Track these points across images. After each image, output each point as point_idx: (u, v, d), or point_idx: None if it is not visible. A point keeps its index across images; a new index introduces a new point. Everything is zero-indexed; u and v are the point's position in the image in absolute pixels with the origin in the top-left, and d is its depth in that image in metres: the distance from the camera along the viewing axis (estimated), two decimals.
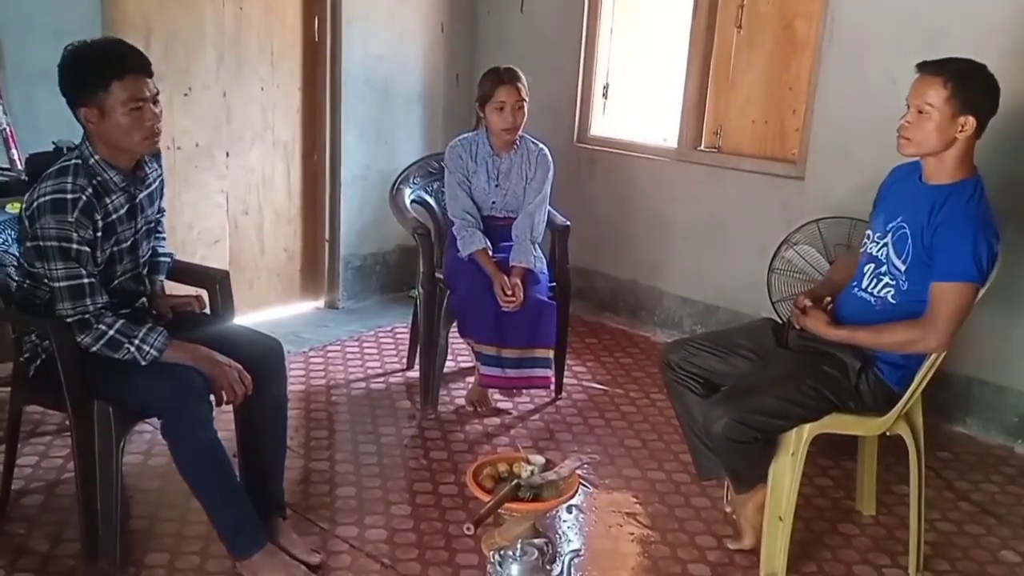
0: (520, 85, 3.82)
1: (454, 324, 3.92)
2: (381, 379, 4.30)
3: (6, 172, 3.52)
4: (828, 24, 4.15)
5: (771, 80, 4.57)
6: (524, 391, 3.98)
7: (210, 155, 4.56)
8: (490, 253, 3.84)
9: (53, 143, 3.31)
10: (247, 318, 4.73)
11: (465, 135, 3.99)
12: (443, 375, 4.12)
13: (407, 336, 4.49)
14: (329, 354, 4.54)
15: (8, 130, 3.55)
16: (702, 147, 4.80)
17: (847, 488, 3.47)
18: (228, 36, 4.48)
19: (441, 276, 3.94)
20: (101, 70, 2.52)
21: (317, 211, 5.09)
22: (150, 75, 2.61)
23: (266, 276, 4.97)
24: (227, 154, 4.62)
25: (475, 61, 5.41)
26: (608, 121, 5.22)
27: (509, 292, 3.69)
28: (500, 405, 4.02)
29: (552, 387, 4.05)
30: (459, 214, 3.90)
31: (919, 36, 3.81)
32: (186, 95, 4.36)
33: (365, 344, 4.69)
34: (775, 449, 2.86)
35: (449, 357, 4.24)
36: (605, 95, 5.18)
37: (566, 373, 4.30)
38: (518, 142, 3.94)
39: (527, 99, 3.85)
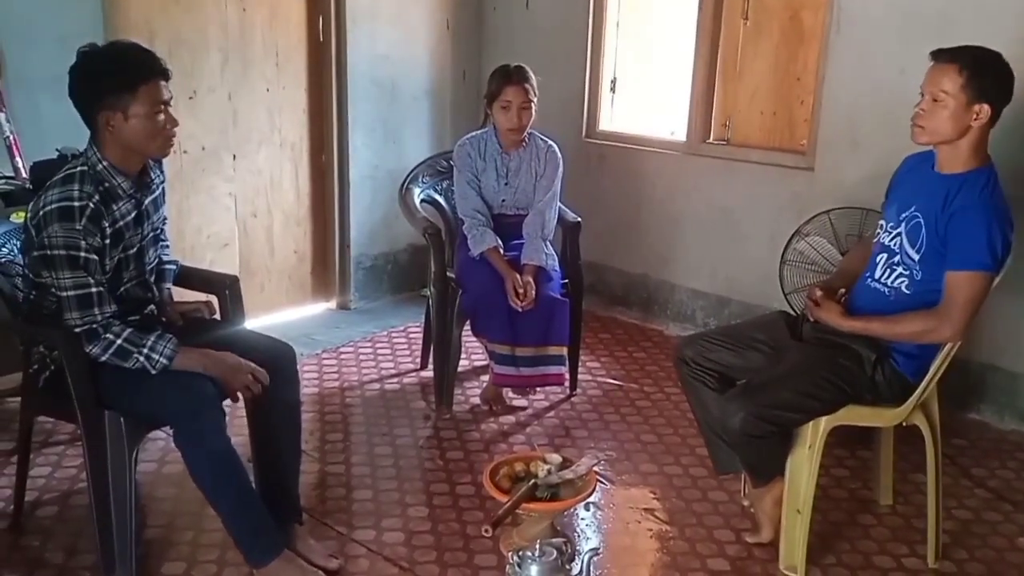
0: (528, 85, 3.79)
1: (467, 323, 3.90)
2: (395, 380, 4.29)
3: (11, 181, 3.52)
4: (835, 13, 4.12)
5: (779, 71, 4.54)
6: (539, 388, 3.98)
7: (217, 158, 4.54)
8: (501, 251, 3.82)
9: (57, 150, 3.29)
10: (258, 321, 4.75)
11: (474, 133, 3.98)
12: (457, 374, 4.10)
13: (420, 336, 4.47)
14: (342, 356, 4.53)
15: (12, 138, 3.55)
16: (711, 140, 4.77)
17: (864, 478, 3.46)
18: (232, 38, 4.46)
19: (453, 275, 3.93)
20: (130, 73, 2.51)
21: (326, 212, 5.08)
22: (169, 79, 2.61)
23: (276, 278, 4.96)
24: (234, 157, 4.61)
25: (482, 58, 5.40)
26: (616, 116, 5.19)
27: (521, 290, 3.67)
28: (515, 403, 4.00)
29: (566, 384, 4.04)
30: (469, 213, 3.88)
31: (927, 24, 3.79)
32: (191, 98, 4.34)
33: (378, 345, 4.68)
34: (792, 442, 2.85)
35: (463, 356, 4.23)
36: (613, 90, 5.14)
37: (580, 369, 4.28)
38: (527, 139, 3.93)
39: (535, 99, 3.82)
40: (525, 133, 3.90)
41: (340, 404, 4.01)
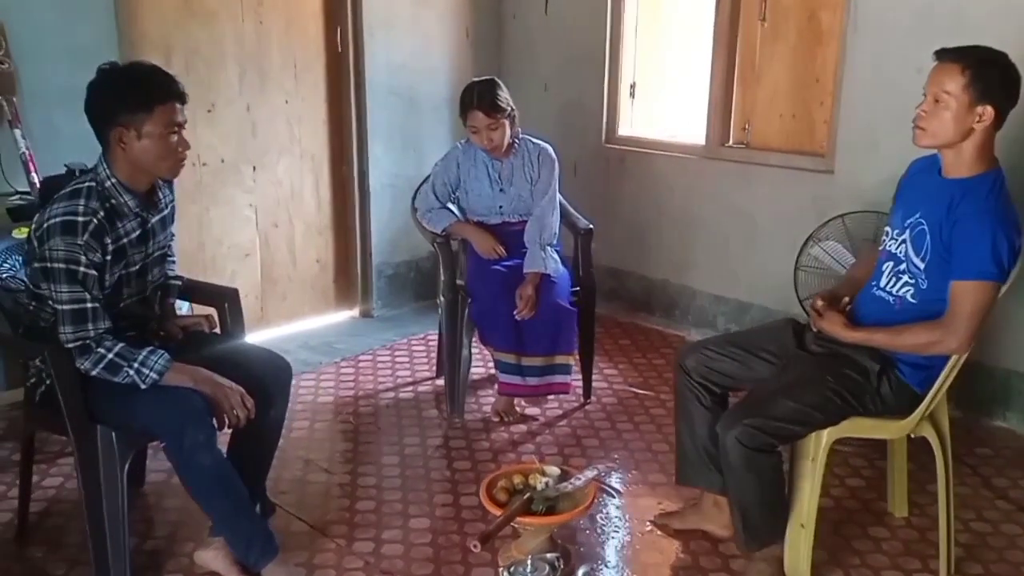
0: (489, 109, 3.73)
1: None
2: (410, 388, 4.29)
3: (26, 196, 3.58)
4: (852, 13, 4.05)
5: (797, 72, 4.47)
6: (550, 397, 3.95)
7: (236, 170, 4.58)
8: (464, 220, 3.94)
9: (65, 165, 3.33)
10: (281, 330, 4.82)
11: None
12: (472, 383, 4.10)
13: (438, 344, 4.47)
14: (360, 364, 4.54)
15: (27, 154, 3.60)
16: (730, 143, 4.71)
17: (880, 489, 3.37)
18: (249, 51, 4.49)
19: (462, 283, 3.92)
20: (148, 92, 2.55)
21: (348, 221, 5.11)
22: (185, 103, 2.64)
23: (299, 288, 4.99)
24: (254, 168, 4.65)
25: (502, 65, 5.39)
26: (636, 120, 5.15)
27: (502, 254, 3.78)
28: (528, 412, 3.98)
29: (579, 392, 4.03)
30: (422, 206, 3.98)
31: (944, 23, 3.71)
32: (209, 111, 4.39)
33: (397, 353, 4.69)
34: (791, 507, 2.80)
35: (480, 364, 4.23)
36: (632, 94, 5.11)
37: (597, 376, 4.25)
38: (517, 144, 3.90)
39: (506, 114, 3.77)
40: (514, 141, 3.88)
41: (353, 413, 4.01)
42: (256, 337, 4.62)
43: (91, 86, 2.57)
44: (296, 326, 4.94)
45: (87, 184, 2.58)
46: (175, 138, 2.60)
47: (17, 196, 3.62)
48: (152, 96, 2.54)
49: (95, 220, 2.52)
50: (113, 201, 2.59)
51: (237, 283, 4.56)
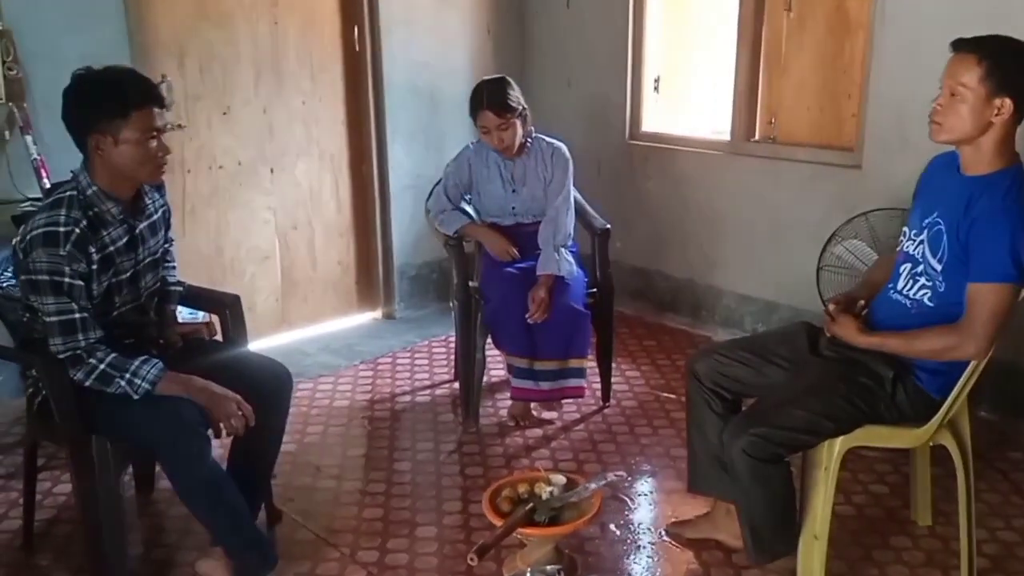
0: (500, 109, 3.66)
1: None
2: (427, 391, 4.23)
3: (37, 202, 3.57)
4: (880, 2, 3.92)
5: (825, 64, 4.34)
6: (568, 400, 3.87)
7: (254, 172, 4.56)
8: (477, 222, 3.90)
9: (72, 172, 3.31)
10: (302, 332, 4.81)
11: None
12: (490, 385, 4.05)
13: None
14: (379, 367, 4.50)
15: (39, 159, 3.60)
16: (756, 138, 4.60)
17: (905, 496, 3.25)
18: (265, 52, 4.46)
19: (476, 285, 3.86)
20: (122, 98, 2.51)
21: (369, 222, 5.06)
22: (163, 107, 2.61)
23: (320, 289, 4.96)
24: (271, 170, 4.62)
25: (525, 62, 5.32)
26: (661, 116, 5.04)
27: (516, 256, 3.73)
28: (545, 416, 3.90)
29: (590, 395, 3.96)
30: (435, 208, 3.92)
31: (976, 11, 3.55)
32: (225, 114, 4.38)
33: (417, 355, 4.64)
34: (804, 517, 2.69)
35: (499, 367, 4.17)
36: (656, 89, 5.00)
37: (618, 379, 4.18)
38: (530, 143, 3.82)
39: (517, 114, 3.70)
40: (526, 140, 3.81)
41: (369, 418, 3.97)
42: (277, 340, 4.64)
43: (66, 93, 2.54)
44: (318, 328, 4.92)
45: (68, 193, 2.55)
46: (154, 143, 2.56)
47: (28, 202, 3.62)
48: (128, 101, 2.50)
49: (77, 230, 2.48)
50: (96, 209, 2.56)
51: (257, 286, 4.60)
